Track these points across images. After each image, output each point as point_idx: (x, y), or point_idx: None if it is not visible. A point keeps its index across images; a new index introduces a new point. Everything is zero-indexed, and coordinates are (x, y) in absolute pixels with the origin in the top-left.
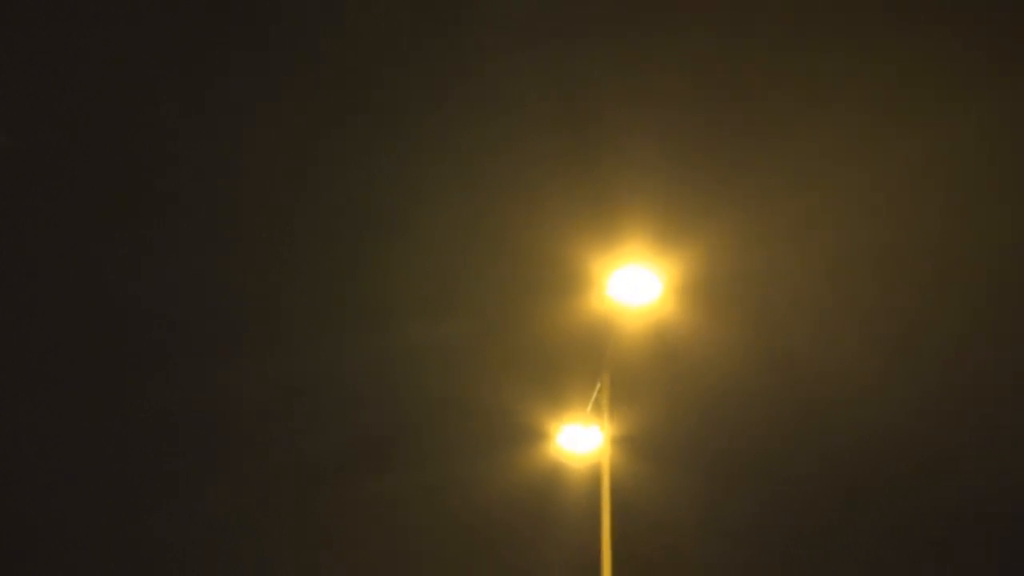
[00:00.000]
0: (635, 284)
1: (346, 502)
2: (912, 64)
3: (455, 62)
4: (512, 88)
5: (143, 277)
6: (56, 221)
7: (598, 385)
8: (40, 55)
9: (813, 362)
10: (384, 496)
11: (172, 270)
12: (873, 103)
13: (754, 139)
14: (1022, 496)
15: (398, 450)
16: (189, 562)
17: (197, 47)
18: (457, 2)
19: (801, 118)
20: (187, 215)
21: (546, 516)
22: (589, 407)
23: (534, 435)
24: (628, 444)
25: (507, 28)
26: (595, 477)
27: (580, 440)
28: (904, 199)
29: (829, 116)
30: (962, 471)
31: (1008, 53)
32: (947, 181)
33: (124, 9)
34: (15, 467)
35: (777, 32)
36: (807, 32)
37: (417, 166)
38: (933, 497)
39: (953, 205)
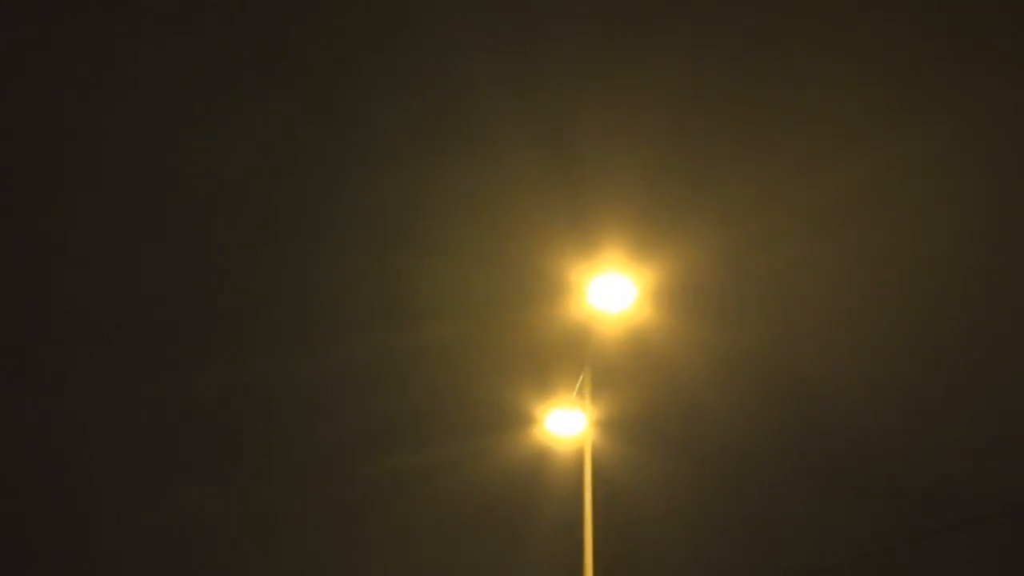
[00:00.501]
0: (613, 290)
1: (359, 481)
2: (873, 82)
3: (448, 94)
4: (498, 115)
5: (186, 278)
6: (96, 223)
7: (581, 377)
8: (30, 52)
9: (774, 359)
10: (392, 474)
11: (212, 270)
12: (834, 121)
13: (721, 157)
14: (991, 487)
15: (405, 435)
16: (221, 538)
17: (199, 48)
18: (448, 45)
19: (764, 137)
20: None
21: (536, 490)
22: (573, 396)
23: (525, 420)
24: (608, 428)
25: (491, 66)
26: (579, 456)
27: (566, 424)
28: (866, 209)
29: (792, 133)
30: (921, 459)
31: (965, 69)
32: (909, 191)
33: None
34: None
35: (744, 58)
36: (773, 58)
37: (419, 188)
38: (894, 478)
39: (913, 215)
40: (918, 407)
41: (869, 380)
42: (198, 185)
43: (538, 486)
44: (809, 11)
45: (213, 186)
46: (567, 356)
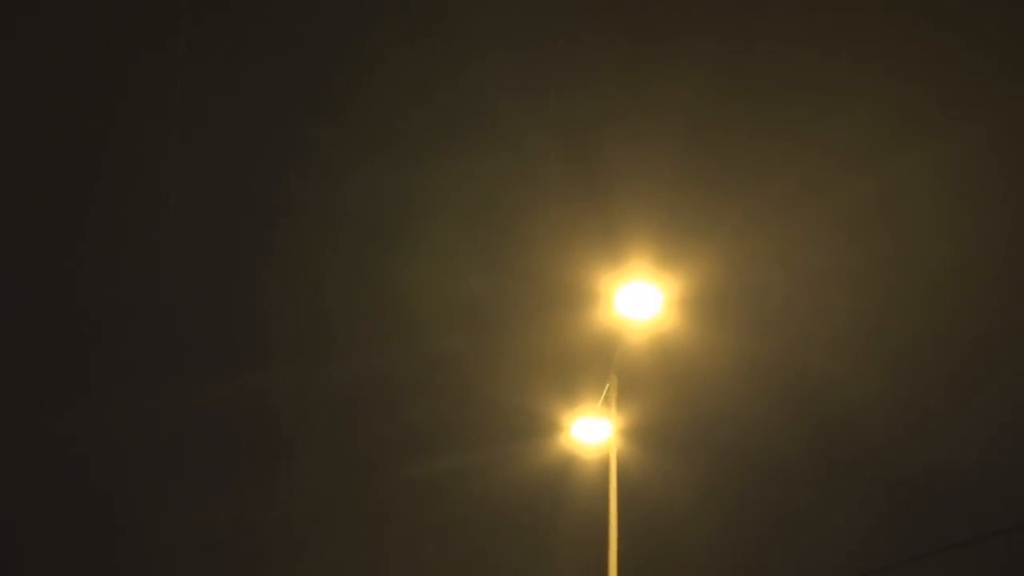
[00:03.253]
0: (640, 298)
1: (385, 488)
2: (902, 88)
3: (473, 102)
4: (524, 125)
5: (212, 284)
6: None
7: (607, 385)
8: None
9: (801, 367)
10: (419, 481)
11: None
12: (862, 128)
13: (748, 165)
14: (1007, 494)
15: (431, 442)
16: (248, 545)
17: (203, 50)
18: (474, 54)
19: (792, 144)
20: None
21: (561, 497)
22: (599, 404)
23: (551, 428)
24: (634, 436)
25: (516, 74)
26: (604, 464)
27: (591, 432)
28: (894, 216)
29: (821, 140)
30: (946, 467)
31: (999, 72)
32: (939, 198)
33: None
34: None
35: (771, 64)
36: (801, 64)
37: (444, 197)
38: (919, 487)
39: (943, 222)
40: (947, 414)
41: (896, 387)
42: (218, 190)
43: (563, 494)
44: (839, 14)
45: (234, 191)
46: (593, 364)
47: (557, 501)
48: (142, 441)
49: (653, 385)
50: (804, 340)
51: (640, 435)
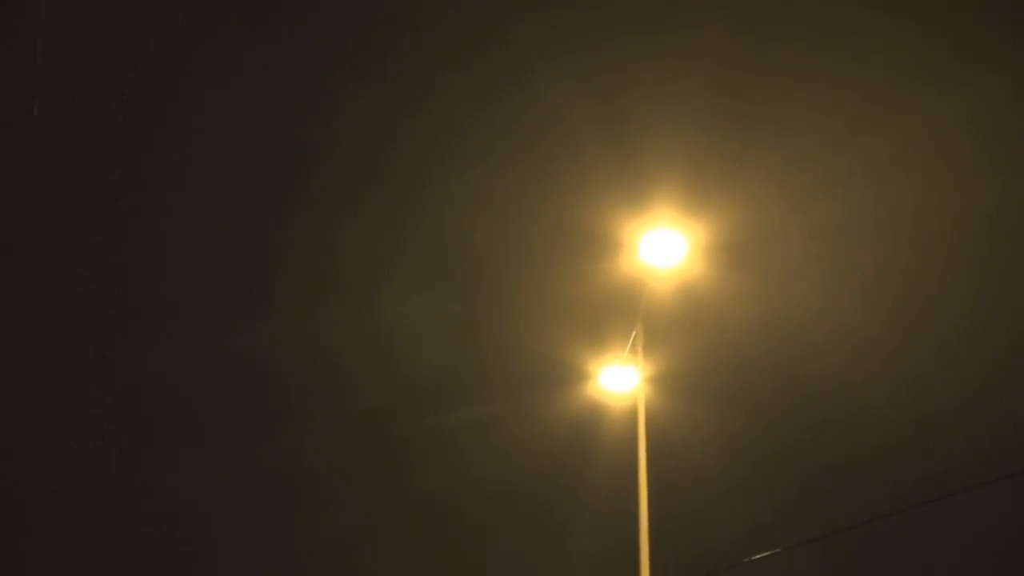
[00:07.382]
0: (664, 245)
1: (411, 438)
2: (933, 32)
3: (501, 53)
4: (550, 73)
5: (231, 233)
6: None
7: (634, 332)
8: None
9: (821, 313)
10: (444, 431)
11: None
12: (876, 85)
13: (771, 115)
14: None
15: (457, 392)
16: (265, 497)
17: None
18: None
19: (818, 90)
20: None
21: (589, 446)
22: (626, 352)
23: (578, 376)
24: (661, 384)
25: (542, 16)
26: (632, 412)
27: (619, 380)
28: (920, 164)
29: (847, 87)
30: (954, 415)
31: (987, 46)
32: (967, 146)
33: None
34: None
35: (798, 10)
36: (827, 8)
37: (471, 146)
38: (929, 434)
39: (969, 171)
40: (972, 364)
41: (920, 336)
42: (247, 135)
43: (591, 442)
44: None
45: (259, 133)
46: (619, 312)
47: (585, 450)
48: (157, 395)
49: (680, 333)
50: (832, 286)
51: (668, 383)
